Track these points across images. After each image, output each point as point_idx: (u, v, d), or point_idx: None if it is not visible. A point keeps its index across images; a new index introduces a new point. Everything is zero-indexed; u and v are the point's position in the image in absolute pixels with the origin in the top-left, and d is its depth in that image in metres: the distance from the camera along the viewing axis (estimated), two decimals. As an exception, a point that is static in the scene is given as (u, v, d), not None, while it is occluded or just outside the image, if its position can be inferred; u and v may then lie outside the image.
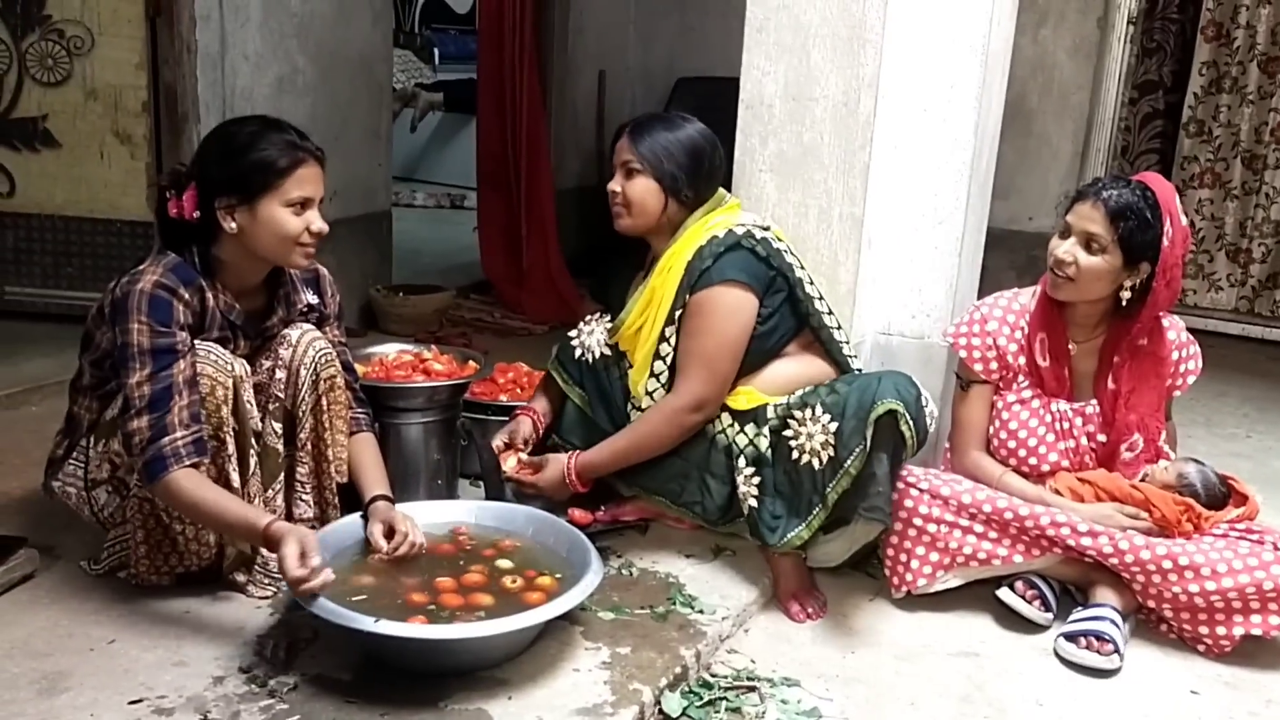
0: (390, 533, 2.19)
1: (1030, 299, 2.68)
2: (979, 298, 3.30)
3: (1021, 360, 2.65)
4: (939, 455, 2.88)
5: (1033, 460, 2.64)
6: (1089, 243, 2.48)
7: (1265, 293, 5.51)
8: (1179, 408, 2.83)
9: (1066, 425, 2.63)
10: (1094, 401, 2.63)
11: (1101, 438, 2.63)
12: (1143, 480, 2.59)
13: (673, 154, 2.49)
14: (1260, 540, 2.40)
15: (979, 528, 2.49)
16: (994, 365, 2.66)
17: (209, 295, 2.20)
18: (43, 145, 4.05)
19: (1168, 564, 2.35)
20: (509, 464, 2.61)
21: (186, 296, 2.14)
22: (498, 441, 2.65)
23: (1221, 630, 2.36)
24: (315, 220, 2.20)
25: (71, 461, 2.30)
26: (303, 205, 2.18)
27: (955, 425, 2.75)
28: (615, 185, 2.55)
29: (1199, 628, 2.39)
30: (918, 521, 2.50)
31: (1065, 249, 2.50)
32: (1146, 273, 2.49)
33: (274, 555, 2.10)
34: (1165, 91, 5.63)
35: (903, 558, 2.52)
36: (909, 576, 2.52)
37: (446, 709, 1.94)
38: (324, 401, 2.29)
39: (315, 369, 2.28)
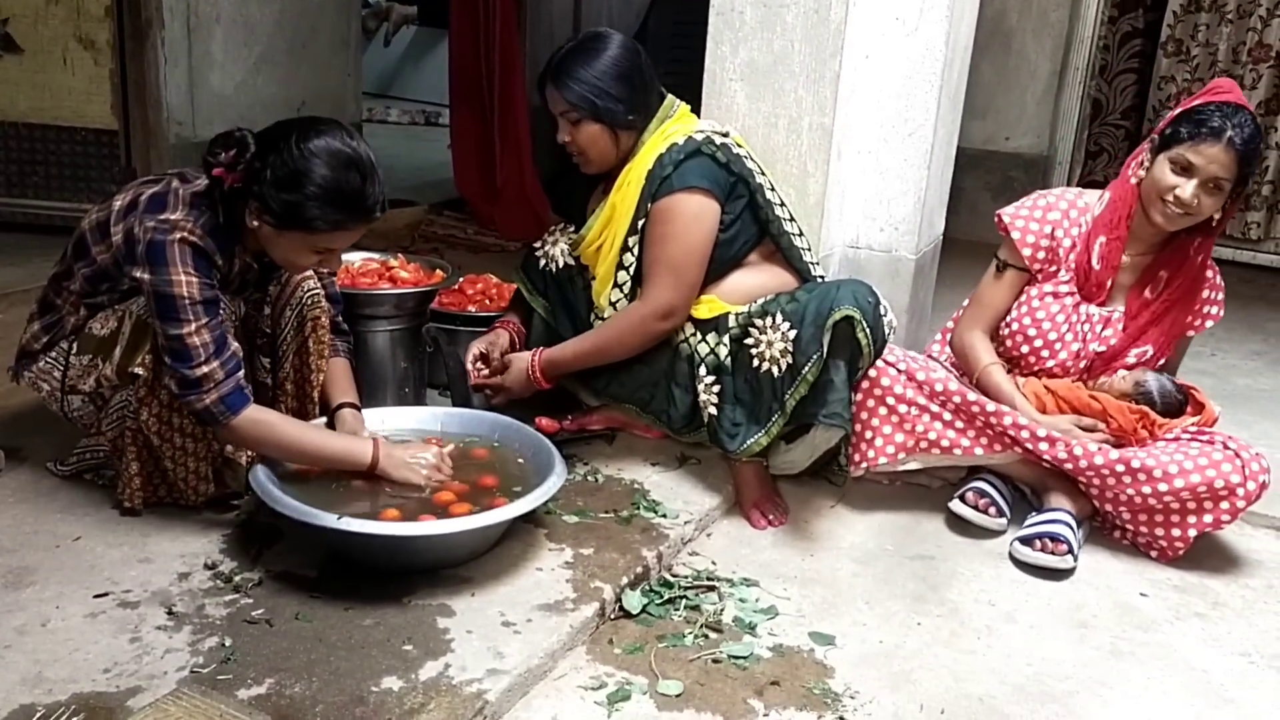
0: None
1: (1097, 203, 2.65)
2: (949, 216, 3.32)
3: (1072, 257, 2.64)
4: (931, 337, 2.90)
5: (1045, 353, 2.66)
6: (1214, 183, 2.43)
7: (1237, 214, 5.52)
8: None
9: (1085, 328, 2.65)
10: (1120, 309, 2.64)
11: (1114, 342, 2.64)
12: (1101, 388, 2.63)
13: (603, 88, 2.43)
14: (1210, 441, 2.44)
15: (947, 415, 2.54)
16: (1042, 255, 2.66)
17: (235, 261, 2.18)
18: (4, 50, 3.96)
19: (1120, 468, 2.40)
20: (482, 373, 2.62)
21: (220, 263, 2.12)
22: (475, 350, 2.66)
23: (1176, 532, 2.42)
24: (332, 262, 2.18)
25: (48, 359, 2.26)
26: (328, 252, 2.13)
27: (973, 301, 2.76)
28: (564, 136, 2.51)
29: (1154, 529, 2.44)
30: (890, 400, 2.54)
31: (1190, 192, 2.42)
32: (1240, 190, 2.49)
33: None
34: (1145, 10, 5.58)
35: (868, 435, 2.56)
36: (871, 454, 2.56)
37: (410, 604, 1.97)
38: (309, 343, 2.27)
39: (301, 309, 2.26)
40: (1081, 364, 2.67)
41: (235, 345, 2.09)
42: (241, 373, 2.08)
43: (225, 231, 2.11)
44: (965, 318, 2.77)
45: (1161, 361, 2.68)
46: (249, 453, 2.19)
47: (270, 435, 2.09)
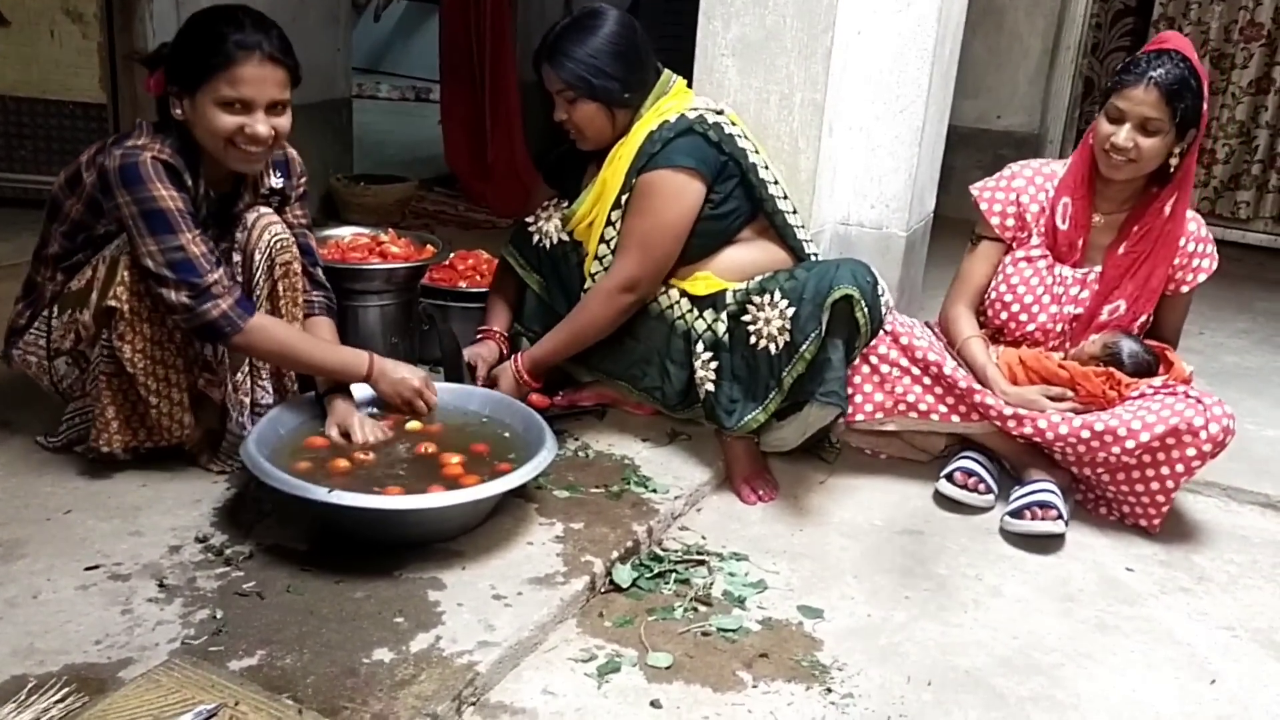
0: (346, 435, 2.23)
1: (1062, 168, 2.69)
2: (940, 194, 3.33)
3: (1041, 222, 2.68)
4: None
5: (1024, 317, 2.69)
6: (1145, 125, 2.46)
7: (1227, 193, 5.54)
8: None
9: (1060, 290, 2.67)
10: (1097, 268, 2.66)
11: (1090, 303, 2.66)
12: (1072, 357, 2.64)
13: (599, 66, 2.43)
14: (1173, 391, 2.45)
15: (927, 380, 2.57)
16: (1010, 223, 2.71)
17: (200, 183, 2.19)
18: (-9, 23, 3.93)
19: (1086, 434, 2.41)
20: None
21: (188, 182, 2.13)
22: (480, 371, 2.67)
23: (1155, 485, 2.42)
24: (253, 124, 2.10)
25: (33, 330, 2.28)
26: (242, 106, 2.09)
27: (956, 276, 2.81)
28: (560, 114, 2.50)
29: (1134, 486, 2.45)
30: (874, 359, 2.58)
31: (1124, 136, 2.47)
32: (1192, 138, 2.51)
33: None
34: (1137, -13, 5.58)
35: (849, 390, 2.56)
36: (849, 409, 2.58)
37: (401, 577, 1.98)
38: (280, 287, 2.26)
39: (270, 254, 2.24)
40: (1060, 327, 2.69)
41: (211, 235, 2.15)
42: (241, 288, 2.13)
43: (186, 154, 2.14)
44: (949, 294, 2.81)
45: (1143, 319, 2.67)
46: (222, 389, 2.24)
47: (277, 341, 2.16)
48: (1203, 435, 2.34)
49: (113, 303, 2.10)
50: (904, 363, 2.58)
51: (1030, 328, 2.69)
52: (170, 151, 2.10)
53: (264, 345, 2.15)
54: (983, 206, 2.72)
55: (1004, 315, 2.71)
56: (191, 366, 2.23)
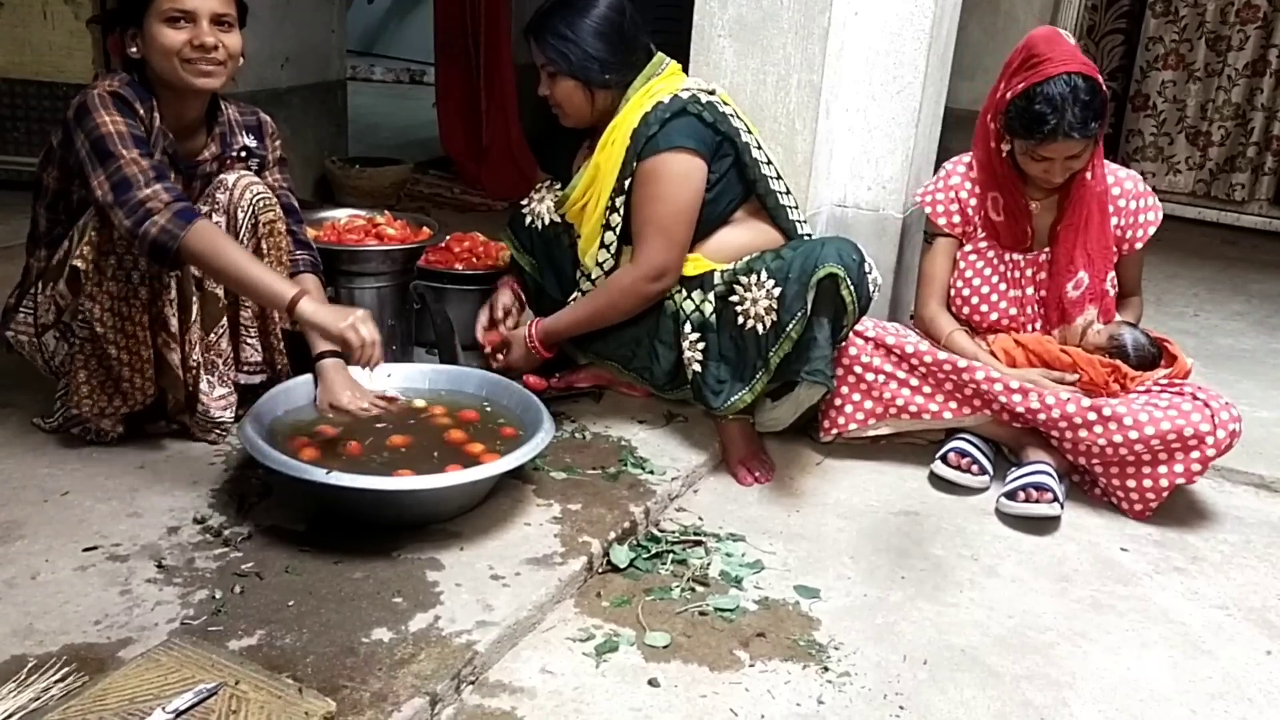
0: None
1: (972, 164, 2.73)
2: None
3: (979, 215, 2.71)
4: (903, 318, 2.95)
5: (984, 308, 2.72)
6: (1074, 158, 2.52)
7: (1222, 176, 5.54)
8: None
9: (1016, 275, 2.71)
10: (1047, 250, 2.69)
11: (1050, 285, 2.69)
12: (1078, 336, 2.65)
13: (583, 45, 2.42)
14: (1180, 391, 2.47)
15: (915, 381, 2.58)
16: (956, 219, 2.74)
17: (156, 115, 2.19)
18: (-16, 5, 3.91)
19: (1092, 415, 2.42)
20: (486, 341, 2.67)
21: (140, 112, 2.14)
22: (483, 319, 2.69)
23: (1148, 483, 2.44)
24: (200, 35, 2.13)
25: (22, 309, 2.31)
26: (185, 18, 2.12)
27: (919, 278, 2.83)
28: (543, 89, 2.51)
29: (1125, 480, 2.47)
30: (857, 369, 2.59)
31: (1058, 173, 2.54)
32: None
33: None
34: (1134, -30, 5.57)
35: (837, 402, 2.62)
36: (840, 420, 2.63)
37: (399, 558, 1.99)
38: (264, 245, 2.28)
39: (253, 212, 2.26)
40: (1029, 310, 2.72)
41: (176, 179, 2.14)
42: (187, 199, 2.10)
43: (139, 87, 2.17)
44: (918, 298, 2.83)
45: (1111, 277, 2.70)
46: (183, 363, 2.24)
47: (213, 248, 2.06)
48: (1209, 442, 2.37)
49: (77, 262, 2.13)
50: (888, 368, 2.59)
51: (994, 316, 2.72)
52: (120, 83, 2.14)
53: (204, 249, 2.04)
54: (928, 210, 2.77)
55: (966, 309, 2.74)
56: (154, 326, 2.22)
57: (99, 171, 2.05)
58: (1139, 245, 2.72)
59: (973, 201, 2.72)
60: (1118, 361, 2.57)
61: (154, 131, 2.18)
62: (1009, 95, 2.52)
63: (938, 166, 3.33)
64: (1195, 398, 2.42)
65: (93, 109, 2.08)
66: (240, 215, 2.24)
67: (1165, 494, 2.44)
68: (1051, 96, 2.44)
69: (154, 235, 2.02)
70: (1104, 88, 2.49)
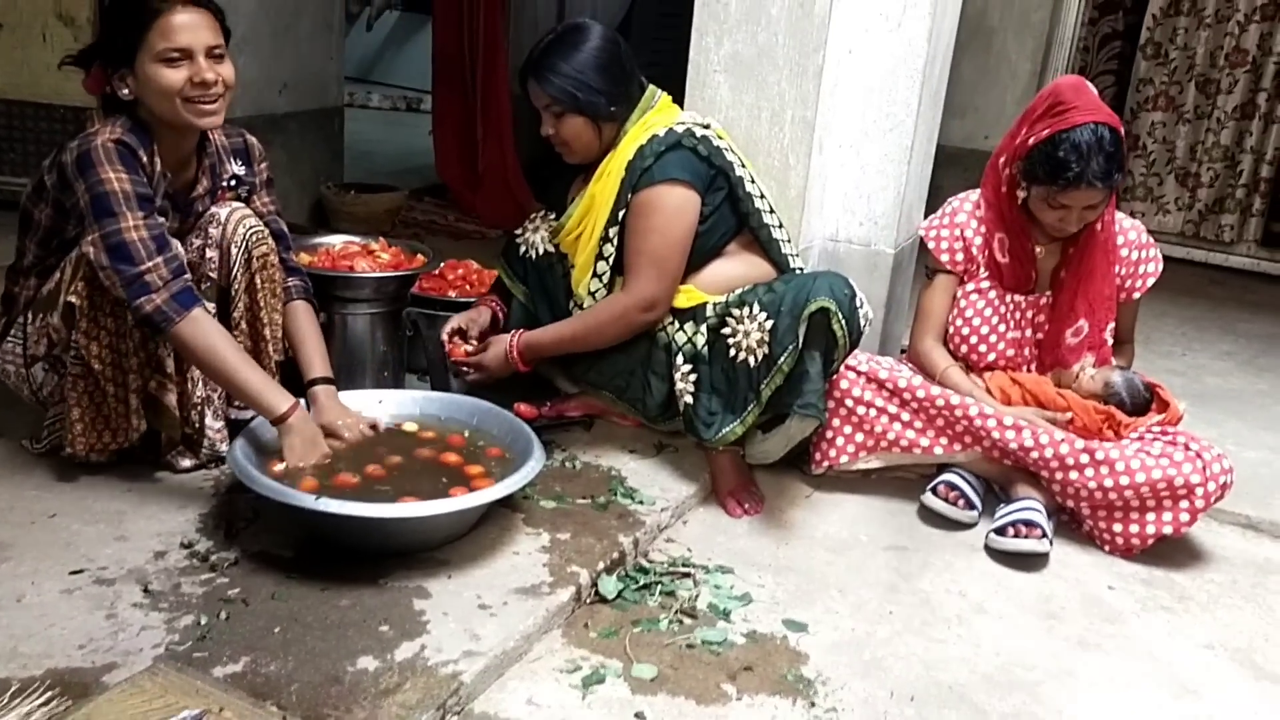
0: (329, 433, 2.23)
1: (981, 204, 2.74)
2: (928, 212, 3.35)
3: (984, 255, 2.72)
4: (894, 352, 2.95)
5: (982, 347, 2.72)
6: (1091, 209, 2.53)
7: (1211, 217, 5.59)
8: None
9: (1018, 316, 2.72)
10: (1049, 293, 2.70)
11: (1048, 327, 2.71)
12: (1073, 379, 2.67)
13: (584, 81, 2.43)
14: (1173, 441, 2.48)
15: (906, 415, 2.59)
16: (959, 257, 2.74)
17: (157, 160, 2.18)
18: (-18, 26, 3.93)
19: (1084, 457, 2.44)
20: (460, 349, 2.63)
21: (144, 159, 2.13)
22: (453, 325, 2.67)
23: (1135, 529, 2.45)
24: (200, 71, 2.09)
25: (10, 339, 2.29)
26: (181, 56, 2.08)
27: (917, 313, 2.83)
28: (547, 129, 2.51)
29: (1112, 524, 2.48)
30: (849, 403, 2.60)
31: (1074, 221, 2.55)
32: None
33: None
34: (1125, 12, 5.62)
35: (829, 434, 2.63)
36: (832, 453, 2.64)
37: (386, 586, 1.98)
38: (258, 280, 2.28)
39: (247, 247, 2.26)
40: (1025, 351, 2.73)
41: (177, 246, 2.11)
42: (188, 275, 2.09)
43: (139, 132, 2.14)
44: (914, 332, 2.83)
45: (1110, 327, 2.71)
46: (177, 391, 2.22)
47: (208, 345, 2.07)
48: (1199, 493, 2.38)
49: (72, 298, 2.11)
50: (879, 402, 2.60)
51: (991, 357, 2.73)
52: (123, 130, 2.10)
53: (194, 341, 2.06)
54: (930, 245, 2.77)
55: (964, 348, 2.75)
56: (144, 368, 2.20)
57: (95, 228, 2.04)
58: (1137, 295, 2.74)
59: (978, 240, 2.72)
60: (1112, 408, 2.58)
61: (155, 176, 2.17)
62: (1031, 140, 2.53)
63: (929, 203, 3.37)
64: (1188, 448, 2.43)
65: (97, 163, 2.04)
66: (234, 251, 2.24)
67: (1150, 541, 2.45)
68: (1078, 144, 2.45)
69: (148, 311, 2.04)
70: (1124, 137, 2.50)
